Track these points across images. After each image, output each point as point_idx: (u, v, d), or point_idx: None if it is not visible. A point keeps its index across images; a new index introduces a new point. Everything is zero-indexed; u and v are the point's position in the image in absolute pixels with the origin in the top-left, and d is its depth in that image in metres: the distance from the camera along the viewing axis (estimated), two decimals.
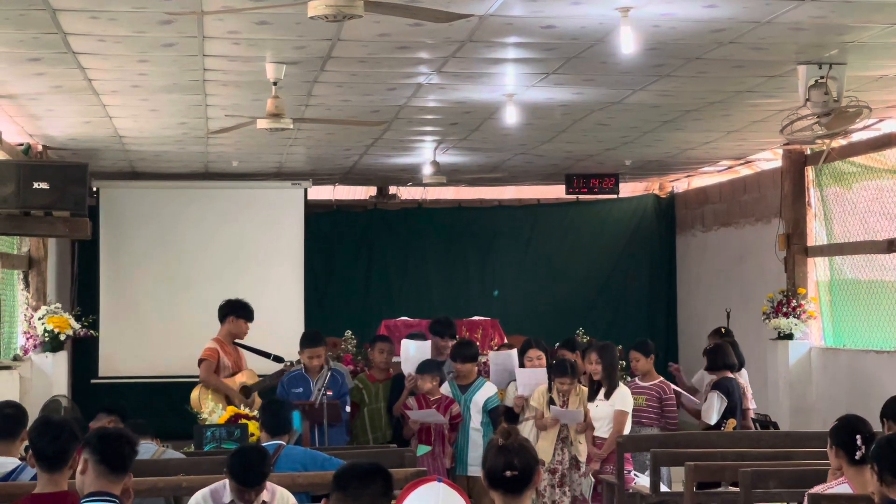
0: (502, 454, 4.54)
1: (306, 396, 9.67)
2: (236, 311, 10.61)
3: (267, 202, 16.50)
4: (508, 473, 4.50)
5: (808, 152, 13.87)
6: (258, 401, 9.97)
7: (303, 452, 7.27)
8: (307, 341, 10.01)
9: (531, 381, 10.15)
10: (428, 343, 10.75)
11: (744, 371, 10.94)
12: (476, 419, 10.18)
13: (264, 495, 6.12)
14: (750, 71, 9.75)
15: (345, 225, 18.06)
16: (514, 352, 10.67)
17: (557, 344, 11.27)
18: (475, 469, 9.86)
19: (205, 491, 6.22)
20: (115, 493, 5.00)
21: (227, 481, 6.15)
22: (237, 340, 10.65)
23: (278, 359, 10.71)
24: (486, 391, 10.28)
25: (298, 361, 10.33)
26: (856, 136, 12.38)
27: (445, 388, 10.29)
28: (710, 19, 8.06)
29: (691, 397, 10.96)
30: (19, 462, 6.47)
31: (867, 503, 5.68)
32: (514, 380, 10.38)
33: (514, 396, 10.28)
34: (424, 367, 10.18)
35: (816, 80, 9.20)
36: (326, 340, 10.42)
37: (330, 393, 9.70)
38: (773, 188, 14.85)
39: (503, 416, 10.03)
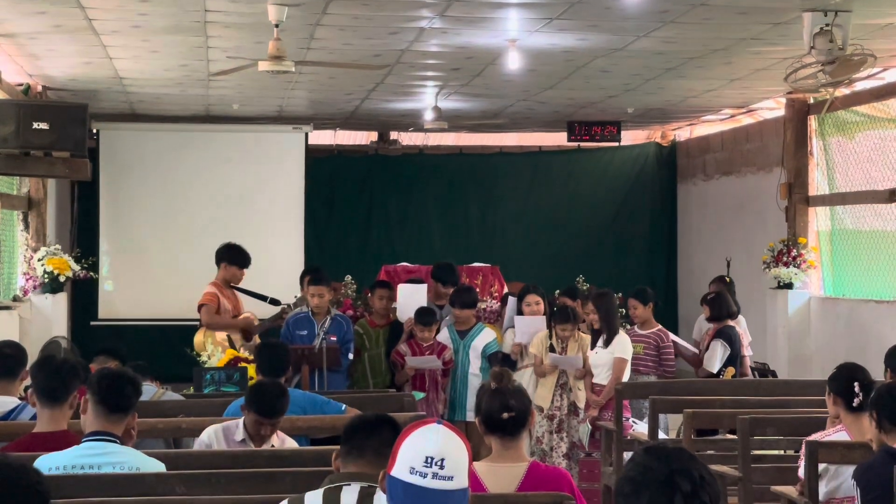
0: (497, 397, 4.56)
1: (310, 339, 9.71)
2: (229, 258, 10.61)
3: (268, 146, 16.45)
4: (505, 415, 4.51)
5: (811, 101, 13.81)
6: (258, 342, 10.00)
7: (302, 395, 7.30)
8: (313, 279, 10.03)
9: (529, 328, 10.18)
10: (424, 287, 10.76)
11: (741, 318, 10.97)
12: (475, 364, 10.23)
13: (274, 440, 6.16)
14: (754, 18, 9.69)
15: (345, 170, 18.01)
16: (514, 299, 10.70)
17: (558, 291, 11.28)
18: (472, 414, 9.90)
19: (217, 427, 6.27)
20: (115, 432, 5.02)
21: (239, 421, 6.18)
22: (234, 284, 10.67)
23: (275, 301, 10.74)
24: (484, 337, 10.32)
25: (296, 304, 10.36)
26: (859, 86, 12.33)
27: (444, 335, 10.32)
28: None
29: (688, 346, 10.98)
30: (19, 401, 6.49)
31: (865, 450, 5.71)
32: (513, 326, 10.40)
33: (511, 343, 10.31)
34: (421, 315, 10.20)
35: (821, 28, 9.13)
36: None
37: (333, 338, 9.74)
38: (775, 137, 14.80)
39: (501, 363, 10.05)
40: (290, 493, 4.54)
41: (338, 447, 4.03)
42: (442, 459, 3.09)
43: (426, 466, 3.09)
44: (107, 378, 5.08)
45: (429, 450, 3.10)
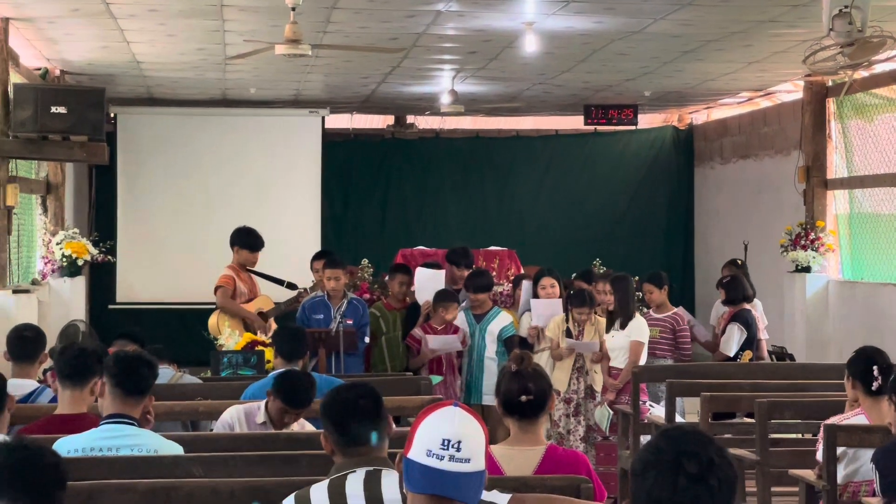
0: (517, 379, 4.55)
1: (326, 323, 9.71)
2: (240, 241, 10.63)
3: (284, 130, 16.46)
4: (524, 398, 4.51)
5: (830, 84, 13.74)
6: (274, 327, 10.02)
7: (319, 379, 7.30)
8: (328, 262, 10.02)
9: (546, 311, 10.17)
10: (442, 272, 10.75)
11: (757, 302, 10.93)
12: (491, 348, 10.21)
13: (294, 425, 6.17)
14: (773, 0, 9.64)
15: (362, 154, 18.02)
16: (530, 283, 10.69)
17: (574, 275, 11.27)
18: (490, 398, 9.94)
19: (239, 408, 6.27)
20: (133, 415, 5.03)
21: (261, 404, 6.17)
22: (249, 268, 10.68)
23: (291, 285, 10.76)
24: (501, 321, 10.30)
25: (312, 288, 10.36)
26: (878, 68, 12.25)
27: (461, 318, 10.32)
28: None
29: (703, 330, 10.97)
30: (38, 384, 6.52)
31: (883, 433, 5.69)
32: (529, 310, 10.39)
33: (528, 326, 10.31)
34: (442, 297, 10.19)
35: (840, 10, 9.06)
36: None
37: (349, 321, 9.74)
38: (793, 120, 14.74)
39: (518, 346, 10.04)
40: (306, 475, 4.55)
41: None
42: (459, 442, 3.09)
43: (443, 449, 3.08)
44: (123, 361, 5.09)
45: (445, 432, 3.09)
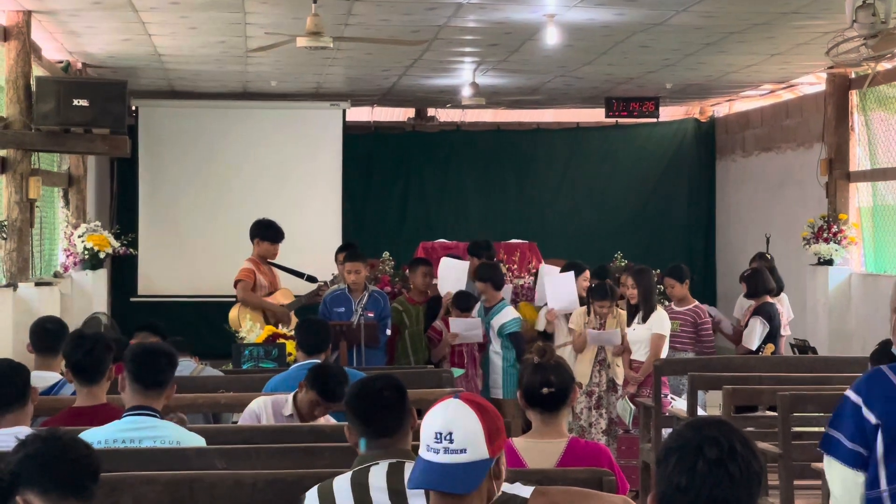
0: (539, 372, 4.54)
1: (348, 316, 9.71)
2: (260, 234, 10.64)
3: (305, 123, 16.47)
4: (545, 390, 4.50)
5: (853, 76, 13.68)
6: (294, 319, 10.02)
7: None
8: (349, 255, 10.03)
9: (559, 287, 10.18)
10: (466, 263, 10.75)
11: (783, 297, 10.89)
12: (496, 343, 10.20)
13: (320, 419, 6.16)
14: None
15: (383, 147, 18.02)
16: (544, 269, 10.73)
17: (589, 271, 11.24)
18: (497, 391, 10.02)
19: (266, 399, 6.25)
20: (155, 407, 5.04)
21: (289, 396, 6.16)
22: (270, 260, 10.69)
23: (311, 278, 10.76)
24: (503, 316, 10.24)
25: (333, 281, 10.36)
26: None
27: (477, 309, 10.32)
28: None
29: (728, 323, 10.93)
30: (60, 377, 6.53)
31: None
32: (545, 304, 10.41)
33: (545, 323, 10.32)
34: (460, 301, 10.19)
35: (864, 1, 9.02)
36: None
37: (371, 314, 9.74)
38: (815, 112, 14.68)
39: (541, 339, 10.03)
40: (329, 467, 4.55)
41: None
42: (450, 433, 3.03)
43: (437, 442, 3.04)
44: (140, 355, 5.09)
45: (437, 425, 3.06)
